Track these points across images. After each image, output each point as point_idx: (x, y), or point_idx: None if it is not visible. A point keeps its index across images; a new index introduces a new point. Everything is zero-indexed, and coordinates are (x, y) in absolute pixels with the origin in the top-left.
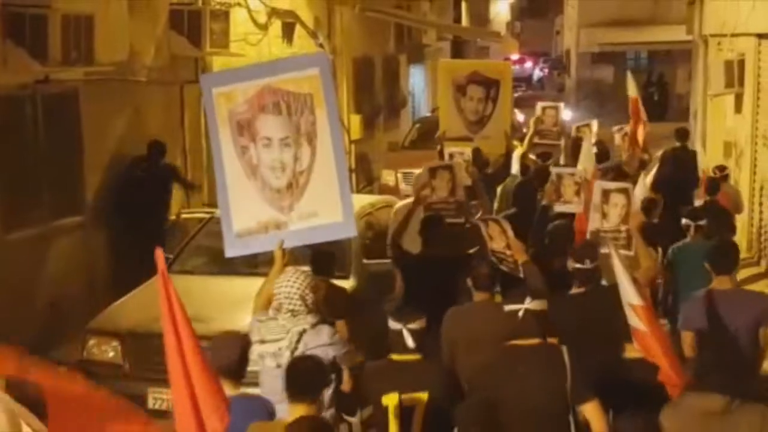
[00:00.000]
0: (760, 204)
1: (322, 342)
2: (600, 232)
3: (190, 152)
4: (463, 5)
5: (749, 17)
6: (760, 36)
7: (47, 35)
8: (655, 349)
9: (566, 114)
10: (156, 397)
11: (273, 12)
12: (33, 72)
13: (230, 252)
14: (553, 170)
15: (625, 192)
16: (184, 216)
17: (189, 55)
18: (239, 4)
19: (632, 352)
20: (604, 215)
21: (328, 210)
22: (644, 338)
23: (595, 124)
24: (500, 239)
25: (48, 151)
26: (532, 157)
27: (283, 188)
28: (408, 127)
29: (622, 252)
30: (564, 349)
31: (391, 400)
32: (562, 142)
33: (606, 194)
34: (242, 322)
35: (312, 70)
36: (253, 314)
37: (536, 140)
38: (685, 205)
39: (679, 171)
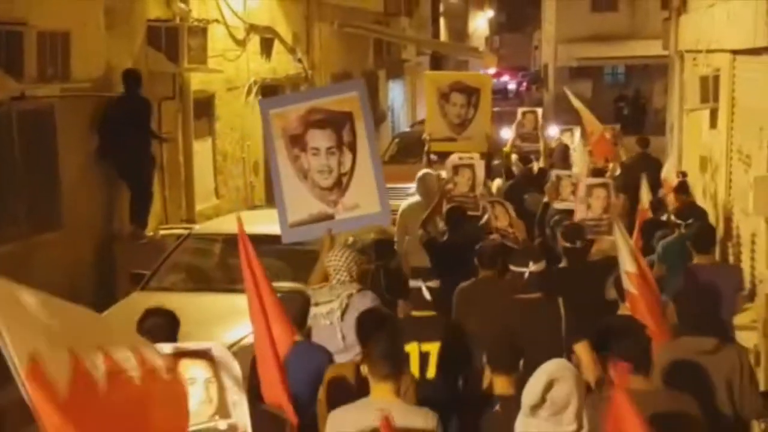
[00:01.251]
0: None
1: (367, 304)
2: (585, 221)
3: (167, 168)
4: (442, 20)
5: (724, 34)
6: (735, 52)
7: (23, 52)
8: (643, 310)
9: (551, 129)
10: None
11: (251, 28)
12: (9, 89)
13: (287, 239)
14: (553, 173)
15: (605, 186)
16: (162, 232)
17: (166, 71)
18: (217, 21)
19: (623, 310)
20: (589, 207)
21: (368, 203)
22: (635, 301)
23: (578, 131)
24: (504, 218)
25: (24, 167)
26: (514, 157)
27: (329, 187)
28: (388, 142)
29: (606, 238)
30: (560, 300)
31: (412, 348)
32: (541, 144)
33: (590, 189)
34: (220, 338)
35: (352, 93)
36: (309, 284)
37: (518, 143)
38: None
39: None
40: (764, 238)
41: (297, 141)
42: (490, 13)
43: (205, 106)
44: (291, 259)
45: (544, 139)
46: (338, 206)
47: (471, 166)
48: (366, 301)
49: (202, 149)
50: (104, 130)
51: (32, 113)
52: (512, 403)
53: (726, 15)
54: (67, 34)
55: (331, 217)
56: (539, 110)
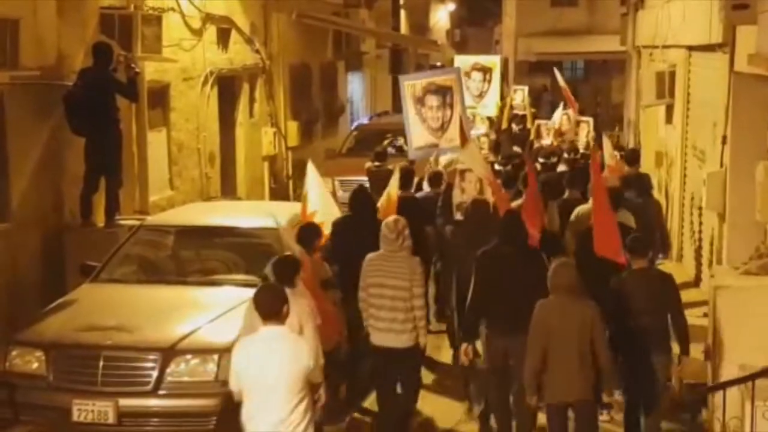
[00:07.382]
0: (691, 214)
1: None
2: (574, 143)
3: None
4: (403, 13)
5: (679, 30)
6: (690, 48)
7: None
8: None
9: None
10: (81, 409)
11: (208, 17)
12: None
13: (412, 157)
14: (537, 122)
15: (588, 122)
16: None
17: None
18: (173, 9)
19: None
20: (576, 134)
21: (456, 138)
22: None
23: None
24: (547, 137)
25: None
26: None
27: (437, 128)
28: (346, 135)
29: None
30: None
31: None
32: (527, 112)
33: (577, 123)
34: (170, 331)
35: (452, 74)
36: None
37: (511, 111)
38: None
39: None
40: (716, 233)
41: (419, 101)
42: (451, 6)
43: (159, 96)
44: (244, 252)
45: (530, 109)
46: (441, 139)
47: (487, 135)
48: None
49: (156, 140)
50: (70, 103)
51: None
52: None
53: (682, 11)
54: (16, 21)
55: (437, 145)
56: (526, 87)
